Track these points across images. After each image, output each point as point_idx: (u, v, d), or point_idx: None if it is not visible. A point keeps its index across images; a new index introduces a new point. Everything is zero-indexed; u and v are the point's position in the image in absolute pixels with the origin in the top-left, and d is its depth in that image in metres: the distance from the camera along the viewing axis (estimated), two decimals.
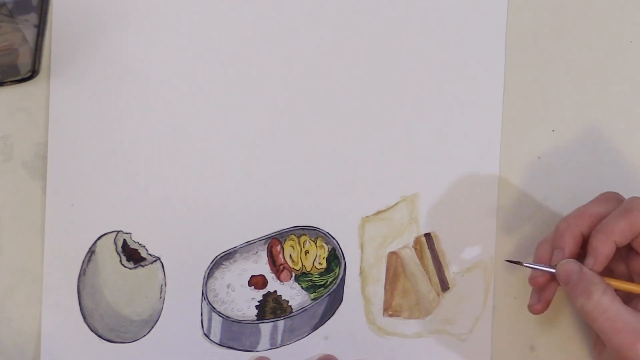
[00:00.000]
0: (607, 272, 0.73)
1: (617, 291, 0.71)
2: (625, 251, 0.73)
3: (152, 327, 0.76)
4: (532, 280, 0.74)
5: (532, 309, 0.74)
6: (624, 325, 0.69)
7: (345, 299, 0.76)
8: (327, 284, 0.76)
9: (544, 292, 0.74)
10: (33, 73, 0.74)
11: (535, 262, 0.74)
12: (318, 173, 0.76)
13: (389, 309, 0.76)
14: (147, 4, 0.76)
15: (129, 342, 0.76)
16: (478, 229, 0.76)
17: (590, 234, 0.72)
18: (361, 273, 0.76)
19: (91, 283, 0.75)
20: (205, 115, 0.76)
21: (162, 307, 0.76)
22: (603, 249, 0.71)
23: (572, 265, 0.72)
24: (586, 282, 0.71)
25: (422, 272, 0.77)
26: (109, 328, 0.75)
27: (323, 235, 0.76)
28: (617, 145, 0.78)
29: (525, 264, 0.74)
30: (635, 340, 0.69)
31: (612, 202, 0.73)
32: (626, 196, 0.73)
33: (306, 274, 0.76)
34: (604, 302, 0.70)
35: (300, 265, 0.76)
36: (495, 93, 0.77)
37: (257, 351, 0.76)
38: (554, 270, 0.72)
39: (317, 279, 0.76)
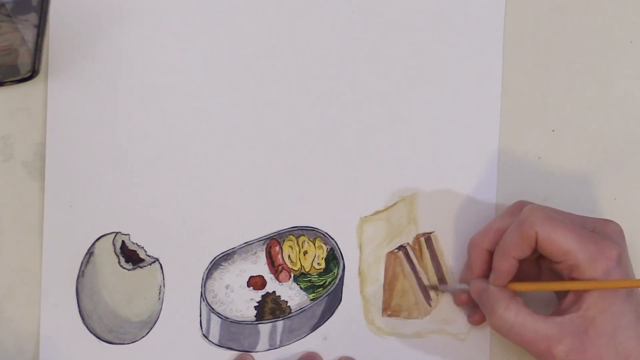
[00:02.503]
0: (521, 275, 0.73)
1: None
2: (538, 256, 0.73)
3: (151, 328, 0.75)
4: (456, 300, 0.75)
5: (469, 319, 0.76)
6: (534, 335, 0.70)
7: (344, 299, 0.76)
8: (325, 284, 0.76)
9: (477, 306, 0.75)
10: (33, 73, 0.75)
11: (460, 280, 0.75)
12: (316, 173, 0.76)
13: (388, 309, 0.76)
14: (145, 4, 0.76)
15: (128, 343, 0.75)
16: (477, 228, 0.76)
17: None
18: (360, 273, 0.76)
19: (90, 284, 0.75)
20: (203, 116, 0.76)
21: (161, 308, 0.75)
22: (502, 265, 0.71)
23: (481, 284, 0.73)
24: (491, 300, 0.71)
25: (421, 272, 0.76)
26: (107, 329, 0.75)
27: (322, 235, 0.76)
28: (617, 145, 0.78)
29: (440, 288, 0.76)
30: (550, 346, 0.70)
31: (516, 214, 0.72)
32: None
33: (305, 275, 0.76)
34: (508, 317, 0.70)
35: (299, 265, 0.76)
36: (494, 93, 0.77)
37: (256, 352, 0.76)
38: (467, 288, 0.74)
39: (315, 279, 0.76)
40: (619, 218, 0.76)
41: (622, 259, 0.70)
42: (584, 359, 0.69)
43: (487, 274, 0.73)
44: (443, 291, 0.76)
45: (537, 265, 0.74)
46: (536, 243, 0.70)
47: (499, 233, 0.73)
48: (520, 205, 0.73)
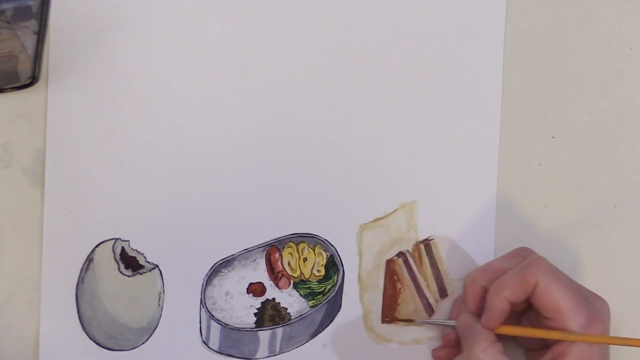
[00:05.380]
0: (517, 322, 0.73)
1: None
2: (525, 306, 0.73)
3: (151, 335, 0.75)
4: (443, 338, 0.75)
5: (433, 353, 0.75)
6: None
7: (344, 306, 0.76)
8: (325, 291, 0.76)
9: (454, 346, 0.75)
10: (33, 80, 0.75)
11: (450, 317, 0.75)
12: (316, 180, 0.76)
13: (388, 316, 0.76)
14: (145, 11, 0.76)
15: (128, 350, 0.75)
16: (476, 235, 0.76)
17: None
18: (359, 280, 0.76)
19: (89, 291, 0.75)
20: (203, 122, 0.76)
21: (161, 315, 0.75)
22: (496, 304, 0.71)
23: (469, 320, 0.73)
24: (472, 338, 0.71)
25: (420, 279, 0.76)
26: (107, 336, 0.75)
27: (321, 242, 0.76)
28: (617, 152, 0.77)
29: (420, 321, 0.75)
30: None
31: (519, 259, 0.72)
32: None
33: (304, 281, 0.76)
34: (484, 358, 0.70)
35: (298, 272, 0.76)
36: (494, 99, 0.77)
37: (255, 359, 0.76)
38: (454, 323, 0.74)
39: (315, 286, 0.76)
40: (619, 224, 0.77)
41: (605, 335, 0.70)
42: None
43: (480, 310, 0.73)
44: (430, 324, 0.76)
45: (518, 321, 0.74)
46: (533, 292, 0.70)
47: (498, 273, 0.72)
48: (524, 252, 0.73)
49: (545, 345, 0.72)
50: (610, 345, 0.72)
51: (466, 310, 0.73)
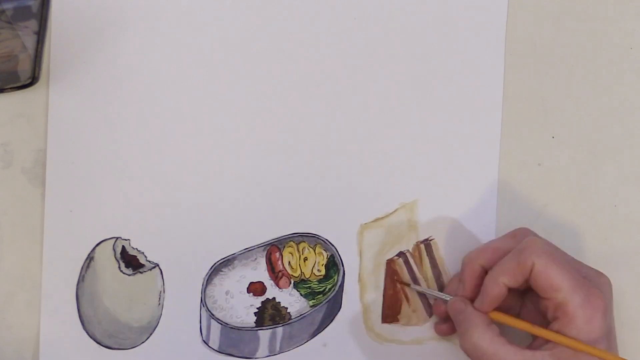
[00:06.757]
0: (503, 306, 0.73)
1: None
2: (524, 290, 0.73)
3: (151, 334, 0.75)
4: (434, 309, 0.75)
5: (436, 327, 0.76)
6: None
7: (344, 306, 0.76)
8: (325, 291, 0.76)
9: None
10: (33, 80, 0.75)
11: (447, 290, 0.75)
12: (317, 180, 0.76)
13: (388, 316, 0.76)
14: (146, 11, 0.76)
15: (128, 349, 0.75)
16: (477, 235, 0.76)
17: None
18: (360, 280, 0.76)
19: (90, 289, 0.75)
20: (204, 122, 0.76)
21: (161, 314, 0.75)
22: (492, 290, 0.71)
23: (459, 304, 0.73)
24: (467, 323, 0.71)
25: (420, 279, 0.76)
26: (107, 334, 0.75)
27: (322, 242, 0.76)
28: (617, 152, 0.78)
29: (417, 289, 0.75)
30: None
31: (519, 238, 0.73)
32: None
33: (305, 281, 0.76)
34: (480, 344, 0.70)
35: (299, 272, 0.76)
36: (495, 100, 0.77)
37: (256, 358, 0.76)
38: (448, 298, 0.74)
39: (315, 285, 0.76)
40: (619, 224, 0.77)
41: (607, 312, 0.70)
42: None
43: (477, 290, 0.73)
44: (419, 291, 0.76)
45: (521, 300, 0.74)
46: (530, 274, 0.70)
47: (496, 252, 0.73)
48: (523, 232, 0.74)
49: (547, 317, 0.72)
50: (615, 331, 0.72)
51: (463, 289, 0.73)
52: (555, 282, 0.70)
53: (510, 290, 0.72)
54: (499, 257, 0.72)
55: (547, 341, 0.71)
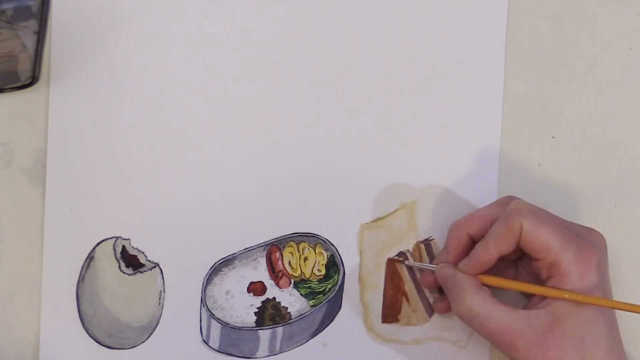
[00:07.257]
0: (497, 275, 0.73)
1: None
2: (517, 259, 0.73)
3: (151, 334, 0.76)
4: (422, 279, 0.75)
5: (435, 306, 0.75)
6: (497, 326, 0.69)
7: (344, 306, 0.76)
8: (325, 291, 0.76)
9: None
10: (33, 80, 0.75)
11: (435, 261, 0.75)
12: (317, 180, 0.76)
13: (388, 316, 0.76)
14: (146, 11, 0.76)
15: (128, 349, 0.76)
16: None
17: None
18: (360, 280, 0.76)
19: (90, 289, 0.75)
20: (204, 121, 0.76)
21: (161, 314, 0.75)
22: (480, 256, 0.71)
23: (447, 269, 0.72)
24: (458, 288, 0.71)
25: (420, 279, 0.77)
26: (107, 334, 0.75)
27: (322, 241, 0.76)
28: (617, 152, 0.78)
29: (406, 263, 0.75)
30: (512, 339, 0.69)
31: (505, 205, 0.72)
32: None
33: (305, 281, 0.76)
34: (474, 306, 0.70)
35: (299, 271, 0.76)
36: (495, 100, 0.77)
37: (256, 358, 0.76)
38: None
39: (316, 285, 0.76)
40: (619, 224, 0.77)
41: (601, 266, 0.70)
42: (546, 357, 0.69)
43: (462, 257, 0.73)
44: (408, 265, 0.75)
45: (515, 267, 0.74)
46: (520, 237, 0.70)
47: (483, 219, 0.72)
48: (509, 199, 0.73)
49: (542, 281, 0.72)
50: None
51: (447, 256, 0.73)
52: (544, 240, 0.69)
53: (504, 260, 0.72)
54: (485, 224, 0.72)
55: (540, 300, 0.70)
